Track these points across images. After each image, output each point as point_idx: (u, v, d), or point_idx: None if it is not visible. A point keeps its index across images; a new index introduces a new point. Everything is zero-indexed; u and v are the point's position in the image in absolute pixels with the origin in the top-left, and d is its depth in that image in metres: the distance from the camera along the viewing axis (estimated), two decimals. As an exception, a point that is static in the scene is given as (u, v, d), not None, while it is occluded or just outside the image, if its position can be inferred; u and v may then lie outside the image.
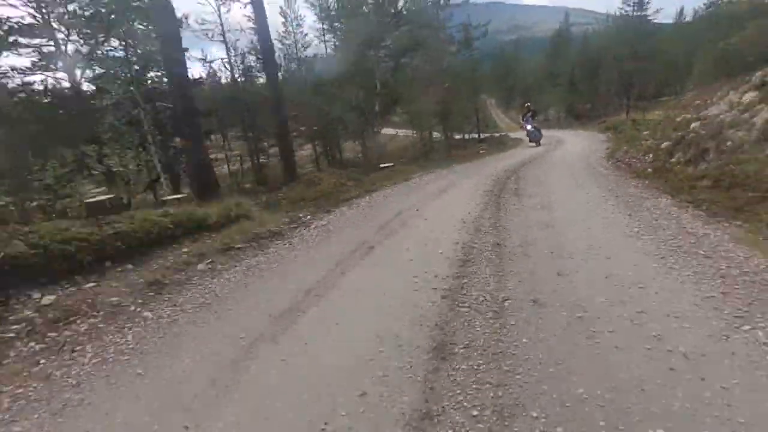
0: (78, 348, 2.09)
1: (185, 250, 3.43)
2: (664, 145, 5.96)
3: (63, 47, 9.62)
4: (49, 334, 2.23)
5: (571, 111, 30.15)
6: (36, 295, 2.46)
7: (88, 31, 9.31)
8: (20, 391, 1.76)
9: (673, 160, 5.28)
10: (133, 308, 2.52)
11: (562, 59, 34.60)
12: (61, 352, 2.05)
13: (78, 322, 2.33)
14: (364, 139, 11.63)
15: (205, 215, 3.75)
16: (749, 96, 4.77)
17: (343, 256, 3.20)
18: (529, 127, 14.12)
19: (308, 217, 4.74)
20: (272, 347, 1.96)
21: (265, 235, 3.91)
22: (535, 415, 1.37)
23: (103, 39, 9.35)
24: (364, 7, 11.70)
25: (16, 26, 8.58)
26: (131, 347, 2.08)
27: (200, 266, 3.15)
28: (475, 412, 1.41)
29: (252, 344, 2.00)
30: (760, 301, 1.92)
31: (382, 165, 8.79)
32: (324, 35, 18.73)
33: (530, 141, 14.35)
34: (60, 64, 9.56)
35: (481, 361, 1.69)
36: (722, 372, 1.48)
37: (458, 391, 1.52)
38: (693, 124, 5.37)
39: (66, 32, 9.56)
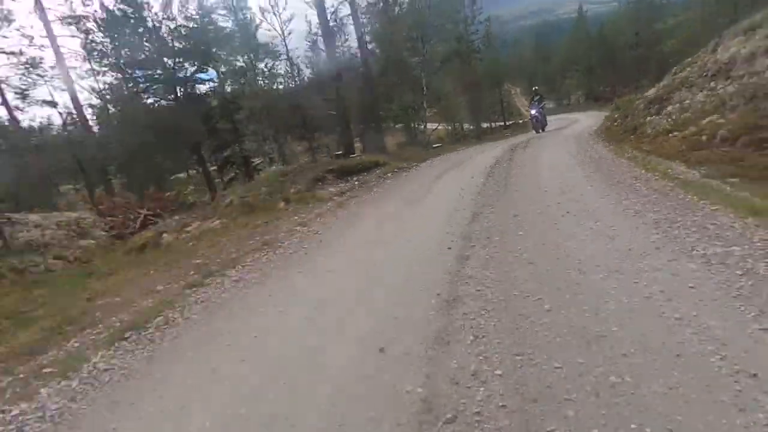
0: (352, 199, 6.01)
1: (373, 173, 7.45)
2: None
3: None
4: (337, 198, 6.18)
5: (591, 94, 32.49)
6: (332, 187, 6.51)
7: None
8: (330, 217, 5.68)
9: (626, 123, 8.68)
10: (363, 189, 6.45)
11: (582, 44, 36.38)
12: (347, 203, 5.98)
13: (348, 193, 6.29)
14: (416, 129, 15.50)
15: (377, 160, 7.80)
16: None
17: (437, 175, 6.99)
18: (533, 111, 13.88)
19: (414, 164, 8.66)
20: (420, 202, 5.75)
21: (400, 169, 7.84)
22: (514, 213, 5.08)
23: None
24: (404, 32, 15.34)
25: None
26: (372, 197, 5.98)
27: (380, 178, 7.11)
28: (490, 210, 5.13)
29: (410, 200, 5.79)
30: (609, 178, 5.56)
31: (434, 145, 12.56)
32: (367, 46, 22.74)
33: (532, 128, 14.01)
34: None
35: (497, 199, 5.43)
36: (604, 212, 5.13)
37: (487, 206, 5.24)
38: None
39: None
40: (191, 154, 15.49)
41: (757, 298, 1.83)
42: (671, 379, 1.44)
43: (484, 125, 23.47)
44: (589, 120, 17.20)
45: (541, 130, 13.38)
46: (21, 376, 2.33)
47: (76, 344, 2.69)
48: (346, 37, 18.10)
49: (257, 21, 20.22)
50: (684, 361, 1.52)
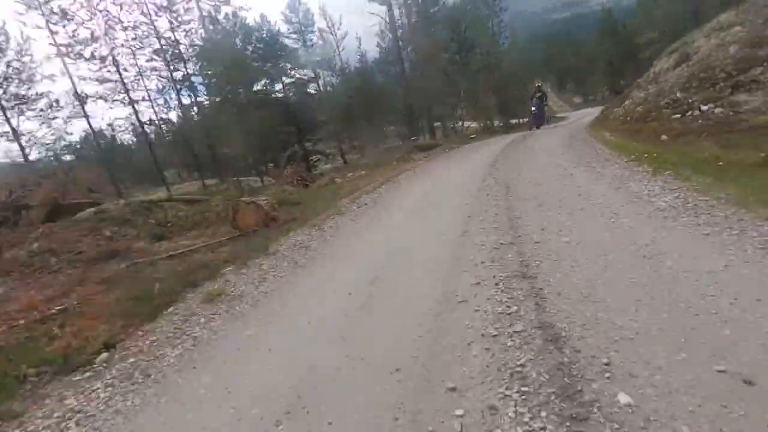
0: (431, 160, 10.23)
1: (437, 149, 11.71)
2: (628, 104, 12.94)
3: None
4: (422, 160, 10.44)
5: (613, 89, 35.06)
6: (416, 155, 10.79)
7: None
8: (422, 166, 9.92)
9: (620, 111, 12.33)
10: (435, 155, 10.66)
11: (607, 39, 38.05)
12: (428, 161, 10.20)
13: (427, 158, 10.55)
14: (454, 125, 19.57)
15: (436, 143, 12.02)
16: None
17: (476, 149, 11.09)
18: (533, 108, 14.14)
19: (460, 145, 12.81)
20: (468, 158, 9.87)
21: (452, 148, 12.04)
22: (515, 156, 9.14)
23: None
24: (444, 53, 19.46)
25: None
26: (442, 158, 10.19)
27: (442, 152, 11.33)
28: (504, 156, 9.20)
29: (462, 158, 9.94)
30: (583, 153, 9.50)
31: (471, 136, 16.56)
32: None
33: (528, 126, 14.61)
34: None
35: (506, 164, 9.49)
36: (556, 152, 9.11)
37: (502, 156, 9.30)
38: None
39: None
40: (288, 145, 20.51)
41: (612, 180, 5.87)
42: (559, 192, 5.55)
43: (513, 121, 27.05)
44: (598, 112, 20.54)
45: (535, 128, 14.12)
46: (319, 218, 6.73)
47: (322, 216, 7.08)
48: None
49: (318, 41, 25.13)
50: (569, 192, 5.62)
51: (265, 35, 23.61)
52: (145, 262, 4.58)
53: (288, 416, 1.76)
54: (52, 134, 15.56)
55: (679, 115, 7.18)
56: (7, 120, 14.32)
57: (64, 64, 15.30)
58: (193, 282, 3.89)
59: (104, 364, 2.55)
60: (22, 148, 14.71)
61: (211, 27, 21.08)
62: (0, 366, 2.54)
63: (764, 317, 1.79)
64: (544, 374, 1.67)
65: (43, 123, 15.27)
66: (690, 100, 7.28)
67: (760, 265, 2.22)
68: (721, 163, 4.24)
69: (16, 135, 14.41)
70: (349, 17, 29.88)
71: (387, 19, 18.21)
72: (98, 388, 2.27)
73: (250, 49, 23.08)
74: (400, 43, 18.37)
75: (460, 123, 20.39)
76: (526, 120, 29.24)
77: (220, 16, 21.81)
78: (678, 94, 7.58)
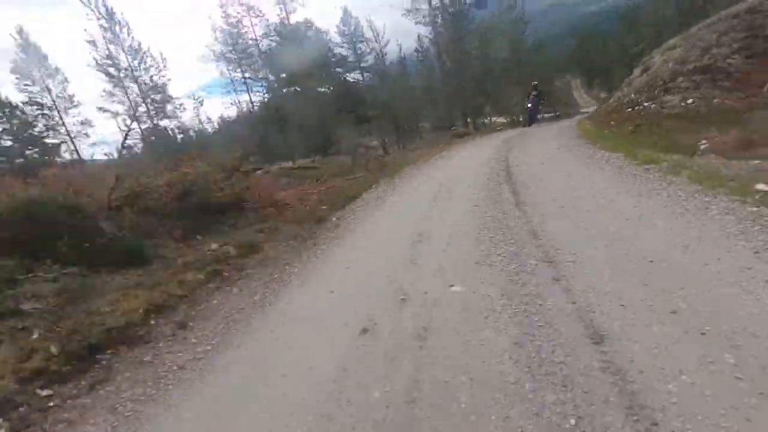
0: (468, 142, 14.44)
1: (471, 136, 15.92)
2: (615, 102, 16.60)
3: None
4: (461, 142, 14.68)
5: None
6: (456, 140, 15.07)
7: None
8: (460, 145, 14.18)
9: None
10: (470, 139, 14.87)
11: (629, 35, 39.46)
12: (465, 142, 14.42)
13: (464, 141, 14.81)
14: (484, 121, 23.57)
15: (469, 132, 16.19)
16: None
17: (493, 138, 15.16)
18: (529, 105, 16.40)
19: (488, 134, 16.90)
20: (492, 139, 13.99)
21: (483, 136, 16.16)
22: (521, 139, 13.20)
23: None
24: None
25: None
26: (476, 140, 14.39)
27: (474, 137, 15.51)
28: (516, 148, 13.25)
29: (489, 140, 14.07)
30: (570, 144, 13.45)
31: (497, 129, 20.54)
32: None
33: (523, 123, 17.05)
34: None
35: (517, 145, 13.55)
36: (549, 139, 13.10)
37: (514, 137, 13.35)
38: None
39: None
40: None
41: (586, 159, 9.94)
42: (537, 152, 9.68)
43: (538, 116, 30.61)
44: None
45: (528, 125, 16.42)
46: (408, 167, 11.18)
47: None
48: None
49: (366, 49, 29.74)
50: (542, 152, 9.75)
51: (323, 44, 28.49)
52: (319, 190, 9.17)
53: (421, 217, 6.17)
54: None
55: (630, 109, 10.98)
56: (151, 118, 19.84)
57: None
58: (352, 196, 8.41)
59: (334, 219, 7.07)
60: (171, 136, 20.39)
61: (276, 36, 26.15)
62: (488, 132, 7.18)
63: (588, 178, 5.97)
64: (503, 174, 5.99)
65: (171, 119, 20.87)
66: (639, 99, 11.05)
67: (603, 168, 6.39)
68: (614, 134, 8.24)
69: (158, 129, 19.93)
70: (394, 34, 34.31)
71: (431, 35, 22.50)
72: (349, 215, 6.80)
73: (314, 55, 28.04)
74: (439, 54, 22.59)
75: (488, 119, 24.36)
76: (548, 115, 32.77)
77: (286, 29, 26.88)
78: (632, 96, 11.37)
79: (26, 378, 2.35)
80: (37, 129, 19.08)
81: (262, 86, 28.57)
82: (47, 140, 19.40)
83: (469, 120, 25.24)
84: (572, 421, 1.62)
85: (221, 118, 29.79)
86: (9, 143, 18.23)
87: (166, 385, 2.47)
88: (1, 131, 17.92)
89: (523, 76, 25.13)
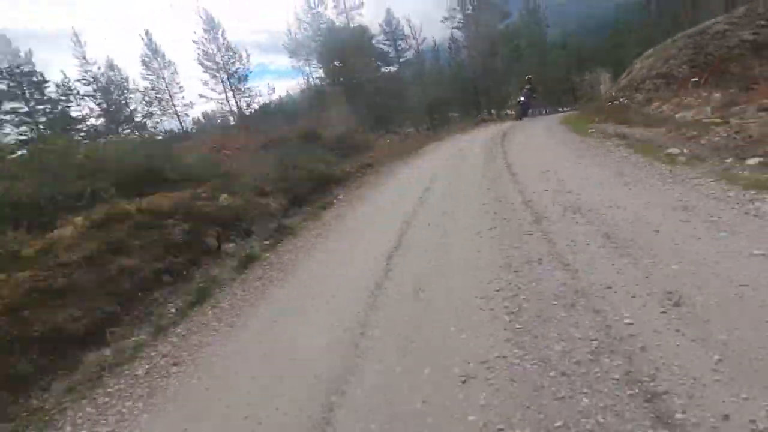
0: (489, 126, 18.40)
1: (492, 122, 19.92)
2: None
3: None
4: (483, 127, 18.66)
5: (654, 79, 39.18)
6: (480, 126, 19.08)
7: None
8: (482, 129, 18.16)
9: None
10: (489, 124, 18.82)
11: (648, 29, 40.57)
12: (486, 127, 18.37)
13: (485, 126, 18.77)
14: (498, 110, 27.26)
15: (491, 119, 20.08)
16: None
17: (495, 128, 18.99)
18: (522, 98, 17.96)
19: (506, 121, 20.77)
20: (503, 124, 17.88)
21: (502, 122, 20.10)
22: (522, 126, 17.03)
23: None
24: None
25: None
26: (494, 125, 18.33)
27: (495, 123, 19.49)
28: (518, 138, 17.08)
29: (501, 126, 17.95)
30: (560, 133, 17.19)
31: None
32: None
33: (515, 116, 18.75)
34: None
35: (514, 135, 17.36)
36: (540, 129, 16.86)
37: (510, 136, 17.16)
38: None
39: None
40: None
41: (575, 145, 13.83)
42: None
43: (559, 109, 33.72)
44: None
45: (519, 119, 18.32)
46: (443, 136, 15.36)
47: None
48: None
49: (405, 46, 33.65)
50: (530, 133, 13.69)
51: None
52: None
53: (432, 176, 10.42)
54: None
55: (609, 103, 14.61)
56: (234, 95, 25.17)
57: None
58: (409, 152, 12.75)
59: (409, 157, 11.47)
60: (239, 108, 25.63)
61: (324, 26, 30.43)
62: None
63: (544, 140, 10.03)
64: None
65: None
66: (618, 96, 14.65)
67: (555, 134, 10.41)
68: (585, 121, 12.09)
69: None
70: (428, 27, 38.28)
71: (464, 37, 26.27)
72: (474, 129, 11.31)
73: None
74: (470, 55, 26.34)
75: (509, 110, 28.02)
76: (567, 108, 35.73)
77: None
78: (613, 93, 14.98)
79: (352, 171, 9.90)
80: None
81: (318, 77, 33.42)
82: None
83: (493, 111, 28.94)
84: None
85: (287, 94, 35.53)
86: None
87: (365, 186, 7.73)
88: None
89: (539, 74, 28.52)
